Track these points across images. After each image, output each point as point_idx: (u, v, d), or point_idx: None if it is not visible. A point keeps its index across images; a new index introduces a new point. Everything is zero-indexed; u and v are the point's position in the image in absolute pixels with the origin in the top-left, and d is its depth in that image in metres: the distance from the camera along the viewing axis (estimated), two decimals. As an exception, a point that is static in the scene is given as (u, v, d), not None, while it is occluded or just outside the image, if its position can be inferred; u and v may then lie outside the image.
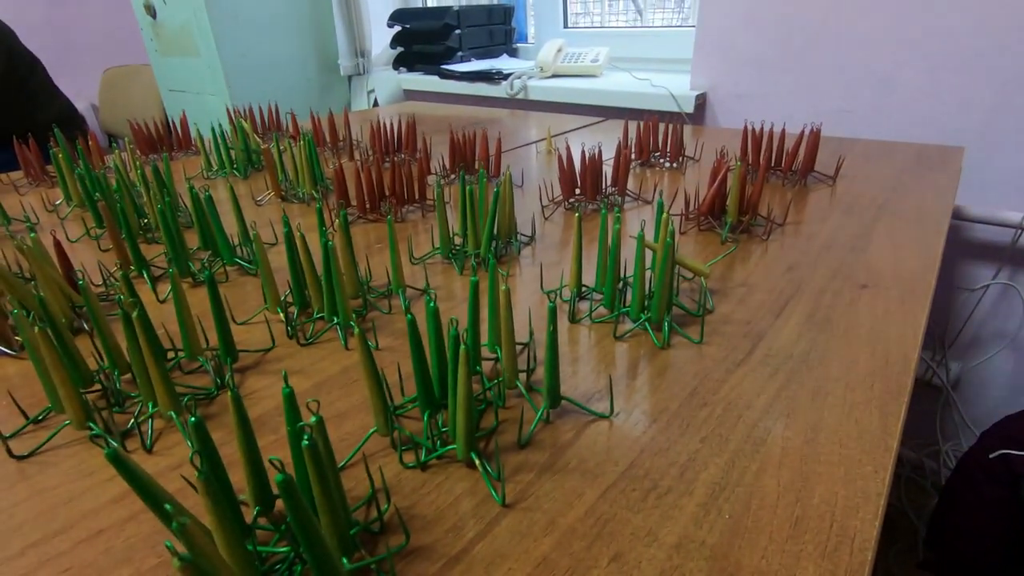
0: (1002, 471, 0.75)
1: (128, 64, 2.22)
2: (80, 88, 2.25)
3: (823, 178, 0.75)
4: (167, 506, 0.18)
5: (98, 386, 0.36)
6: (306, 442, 0.21)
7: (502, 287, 0.32)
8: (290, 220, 0.43)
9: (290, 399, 0.24)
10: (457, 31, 1.59)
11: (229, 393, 0.24)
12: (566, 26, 1.65)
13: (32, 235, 0.43)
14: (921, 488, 1.11)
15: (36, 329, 0.30)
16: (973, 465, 0.79)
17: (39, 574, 0.25)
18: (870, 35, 0.98)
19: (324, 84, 1.74)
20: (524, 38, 1.80)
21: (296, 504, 0.19)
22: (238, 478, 0.28)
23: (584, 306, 0.46)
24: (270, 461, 0.21)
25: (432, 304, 0.31)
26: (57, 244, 0.46)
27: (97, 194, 0.61)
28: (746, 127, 0.76)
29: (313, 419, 0.23)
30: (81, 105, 2.18)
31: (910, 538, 1.06)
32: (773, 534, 0.26)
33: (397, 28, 1.64)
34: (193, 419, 0.22)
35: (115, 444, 0.18)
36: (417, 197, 0.69)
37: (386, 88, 1.75)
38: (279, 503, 0.27)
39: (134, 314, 0.31)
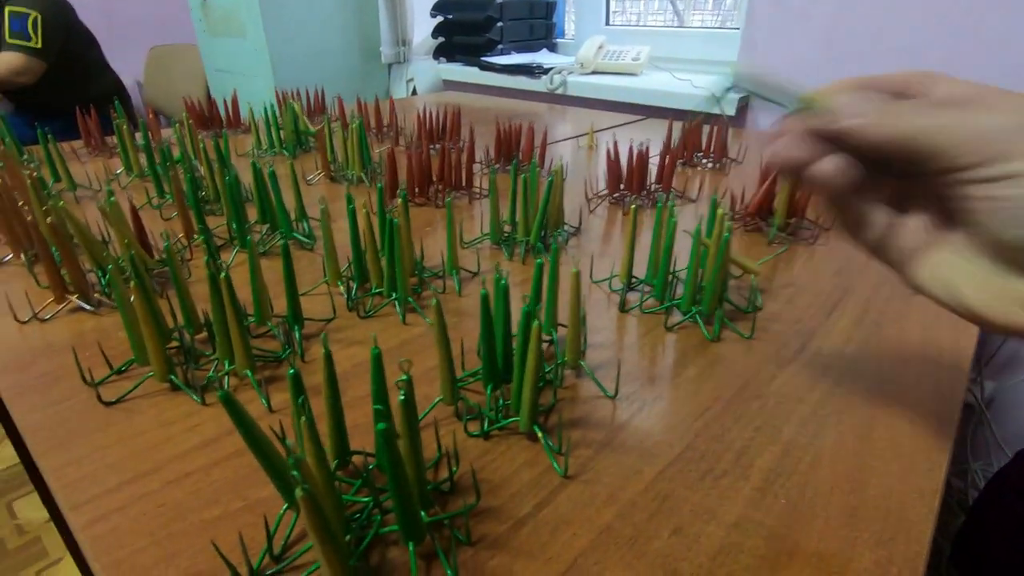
0: (1035, 492, 0.74)
1: (174, 43, 2.27)
2: (126, 64, 2.31)
3: (869, 186, 0.75)
4: (286, 442, 0.20)
5: (175, 344, 0.39)
6: (402, 397, 0.22)
7: (572, 269, 0.33)
8: (340, 199, 0.44)
9: (377, 360, 0.26)
10: (499, 24, 1.60)
11: (322, 352, 0.25)
12: (607, 23, 1.65)
13: (112, 199, 0.45)
14: (947, 506, 1.10)
15: (132, 284, 0.32)
16: (1004, 483, 0.79)
17: (137, 506, 0.27)
18: (919, 43, 0.97)
19: (365, 71, 1.76)
20: (562, 33, 1.80)
21: (393, 453, 0.21)
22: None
23: (633, 297, 0.47)
24: (375, 409, 0.22)
25: (504, 282, 0.32)
26: (132, 209, 0.48)
27: (167, 165, 0.63)
28: (794, 131, 0.76)
29: (404, 377, 0.24)
30: (126, 81, 2.24)
31: (934, 557, 1.05)
32: (830, 520, 0.27)
33: (440, 18, 1.66)
34: (292, 371, 0.24)
35: (225, 390, 0.20)
36: (464, 184, 0.70)
37: (425, 78, 1.77)
38: (356, 459, 0.29)
39: (222, 276, 0.32)
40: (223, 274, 0.32)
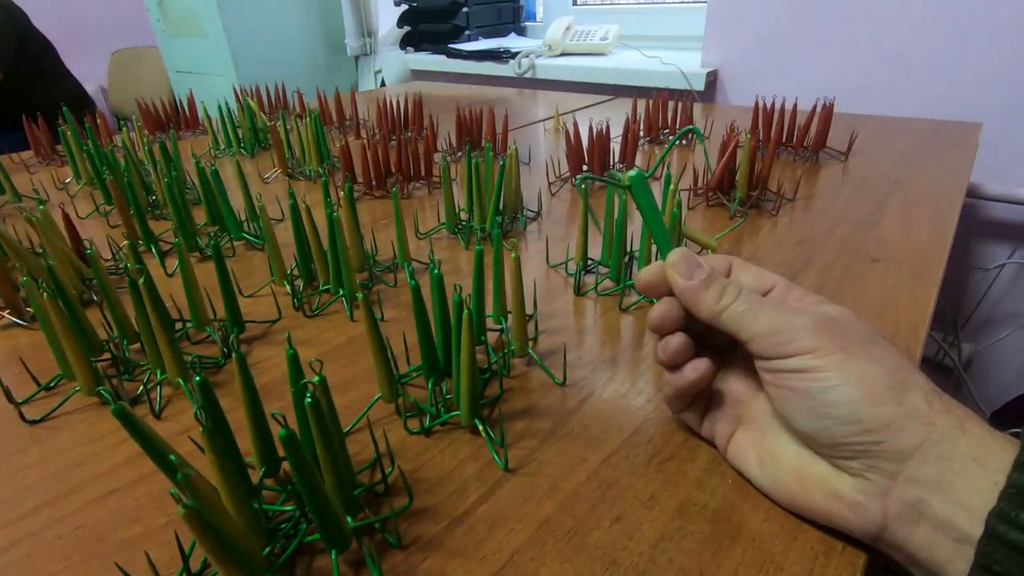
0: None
1: (136, 46, 2.22)
2: (89, 70, 2.25)
3: (835, 154, 0.74)
4: (172, 457, 0.19)
5: (108, 355, 0.37)
6: (309, 400, 0.21)
7: (512, 254, 0.32)
8: (296, 196, 0.43)
9: (293, 360, 0.25)
10: (465, 9, 1.57)
11: (234, 356, 0.24)
12: (575, 3, 1.63)
13: (41, 208, 0.43)
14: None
15: (46, 296, 0.31)
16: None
17: (52, 531, 0.26)
18: (886, 9, 0.96)
19: (331, 65, 1.73)
20: (532, 16, 1.77)
21: (299, 459, 0.20)
22: (245, 443, 0.28)
23: (590, 279, 0.46)
24: (273, 416, 0.21)
25: (436, 272, 0.31)
26: (66, 217, 0.46)
27: (106, 171, 0.61)
28: (757, 102, 0.75)
29: (316, 378, 0.23)
30: (90, 87, 2.19)
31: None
32: (776, 498, 0.26)
33: (404, 7, 1.62)
34: (198, 379, 0.23)
35: (122, 402, 0.19)
36: (423, 174, 0.69)
37: (393, 68, 1.74)
38: (285, 465, 0.28)
39: (140, 281, 0.31)
40: (142, 279, 0.31)
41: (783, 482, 0.25)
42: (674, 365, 0.27)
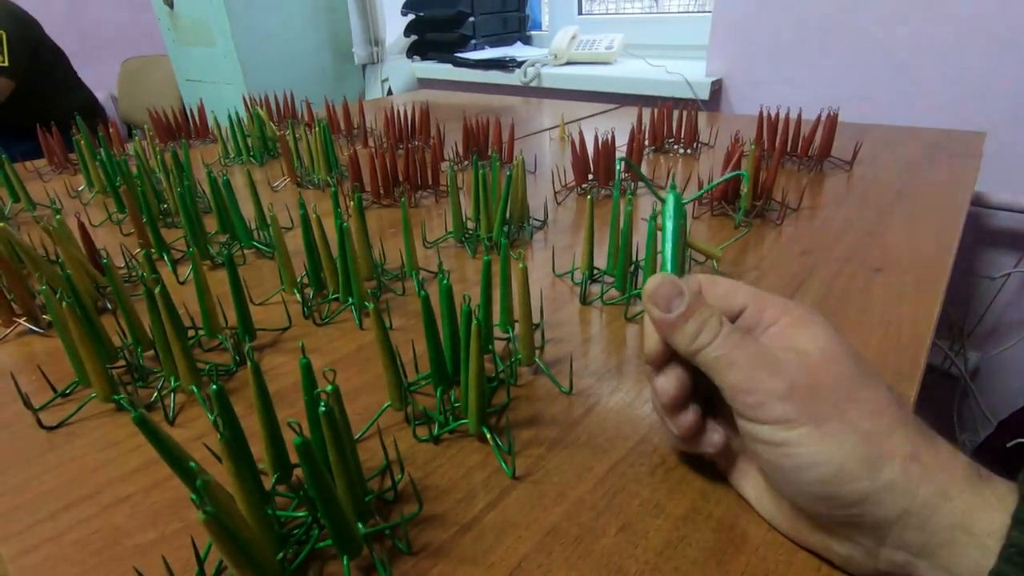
0: (1019, 460, 0.74)
1: (146, 55, 2.25)
2: (99, 78, 2.28)
3: (840, 164, 0.74)
4: (191, 464, 0.19)
5: (122, 362, 0.38)
6: (323, 408, 0.21)
7: (520, 264, 0.33)
8: (306, 205, 0.43)
9: (307, 369, 0.25)
10: (471, 19, 1.58)
11: (248, 364, 0.25)
12: (580, 13, 1.64)
13: (57, 217, 0.44)
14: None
15: (64, 304, 0.31)
16: (990, 454, 0.79)
17: (70, 535, 0.26)
18: (890, 19, 0.96)
19: (338, 73, 1.75)
20: (538, 26, 1.79)
21: (313, 466, 0.20)
22: (257, 450, 0.29)
23: (595, 289, 0.46)
24: (289, 424, 0.22)
25: (445, 282, 0.31)
26: (81, 226, 0.47)
27: (118, 179, 0.62)
28: (761, 112, 0.75)
29: (329, 387, 0.23)
30: (100, 95, 2.21)
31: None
32: (780, 508, 0.26)
33: (411, 16, 1.64)
34: (215, 387, 0.23)
35: (139, 412, 0.19)
36: (431, 183, 0.69)
37: (400, 77, 1.76)
38: (297, 471, 0.28)
39: (156, 290, 0.32)
40: (158, 288, 0.32)
41: (780, 522, 0.25)
42: (689, 438, 0.26)
